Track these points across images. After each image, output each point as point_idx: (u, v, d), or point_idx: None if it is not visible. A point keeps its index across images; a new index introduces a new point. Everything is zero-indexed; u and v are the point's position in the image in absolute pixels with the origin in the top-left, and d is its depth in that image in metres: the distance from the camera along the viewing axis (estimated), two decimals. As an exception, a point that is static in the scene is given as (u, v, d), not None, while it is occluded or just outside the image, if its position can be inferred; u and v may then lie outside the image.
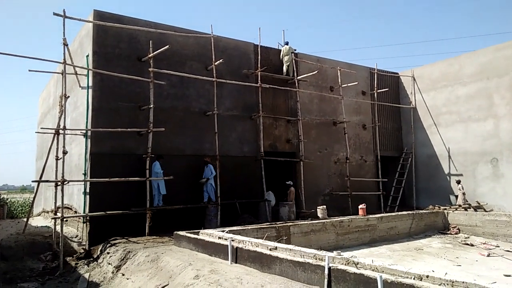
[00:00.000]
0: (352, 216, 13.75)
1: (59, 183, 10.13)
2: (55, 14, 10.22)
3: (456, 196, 17.21)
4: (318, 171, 16.49)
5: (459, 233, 15.06)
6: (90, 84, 11.69)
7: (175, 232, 9.71)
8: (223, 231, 9.15)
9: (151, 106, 11.58)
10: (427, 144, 19.24)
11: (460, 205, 16.21)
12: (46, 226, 13.92)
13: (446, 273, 4.75)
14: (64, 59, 10.77)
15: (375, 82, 18.99)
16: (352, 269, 5.13)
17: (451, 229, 15.27)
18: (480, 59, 17.41)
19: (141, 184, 11.46)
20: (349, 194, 16.63)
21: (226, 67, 14.10)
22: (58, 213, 10.47)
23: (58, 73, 14.54)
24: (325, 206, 14.11)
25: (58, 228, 10.50)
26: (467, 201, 16.49)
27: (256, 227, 10.59)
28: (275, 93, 15.59)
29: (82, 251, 10.48)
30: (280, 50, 16.14)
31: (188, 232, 9.32)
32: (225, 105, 14.00)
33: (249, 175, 14.18)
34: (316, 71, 16.48)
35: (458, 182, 17.18)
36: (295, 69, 16.00)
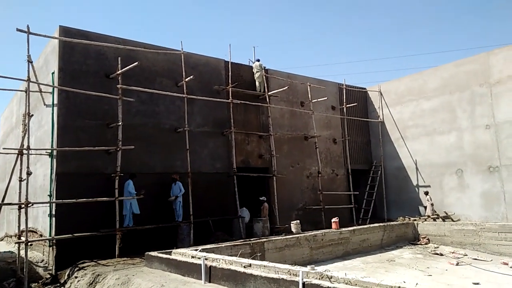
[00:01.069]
0: (325, 230, 13.76)
1: (23, 205, 9.76)
2: (18, 30, 9.92)
3: (425, 207, 17.40)
4: (291, 186, 16.45)
5: (429, 243, 15.21)
6: (56, 101, 11.39)
7: (147, 252, 9.46)
8: (196, 249, 8.99)
9: (120, 123, 11.35)
10: (395, 157, 19.44)
11: (429, 216, 16.36)
12: (9, 251, 13.47)
13: (417, 284, 4.81)
14: (28, 76, 10.45)
15: (344, 97, 19.28)
16: (326, 283, 5.13)
17: (421, 239, 15.44)
18: (442, 74, 17.81)
19: (110, 204, 11.11)
20: (322, 208, 16.68)
21: (197, 83, 14.02)
22: (22, 237, 10.11)
23: (21, 91, 14.16)
24: (298, 221, 14.05)
25: (22, 253, 10.04)
26: (435, 212, 16.61)
27: (230, 244, 10.50)
28: (246, 109, 15.57)
29: (48, 276, 10.06)
30: (251, 67, 16.23)
31: (160, 252, 9.11)
32: (196, 122, 13.89)
33: (222, 191, 14.08)
34: (287, 87, 16.56)
35: (426, 193, 17.39)
36: (266, 84, 16.09)
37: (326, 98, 18.28)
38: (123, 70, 11.66)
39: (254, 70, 16.16)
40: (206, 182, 13.66)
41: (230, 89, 14.68)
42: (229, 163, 14.50)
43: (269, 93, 16.10)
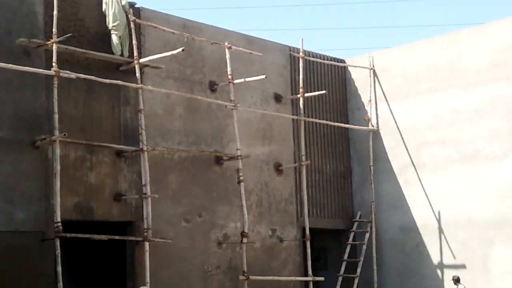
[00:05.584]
0: None
1: None
2: None
3: None
4: (182, 263, 16.40)
5: None
6: None
7: None
8: None
9: None
10: (399, 205, 19.47)
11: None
12: None
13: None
14: None
15: (301, 76, 18.92)
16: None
17: None
18: (497, 38, 17.95)
19: None
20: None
21: None
22: None
23: None
24: None
25: None
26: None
27: None
28: (91, 93, 15.49)
29: None
30: (102, 2, 16.04)
31: None
32: None
33: (26, 274, 13.83)
34: (181, 49, 15.79)
35: (457, 280, 17.05)
36: (135, 42, 15.73)
37: (264, 76, 17.76)
38: None
39: (110, 9, 15.76)
40: None
41: (54, 46, 14.12)
42: (47, 210, 14.33)
43: (142, 60, 15.69)
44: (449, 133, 18.30)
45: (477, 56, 17.98)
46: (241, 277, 16.34)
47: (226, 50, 16.97)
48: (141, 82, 15.46)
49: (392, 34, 50.50)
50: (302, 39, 19.59)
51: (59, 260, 13.51)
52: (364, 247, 19.25)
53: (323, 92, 19.28)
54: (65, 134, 13.83)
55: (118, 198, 15.34)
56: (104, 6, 15.68)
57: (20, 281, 13.58)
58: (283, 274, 17.98)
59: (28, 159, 14.06)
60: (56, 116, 13.83)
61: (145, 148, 15.19)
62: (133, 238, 15.34)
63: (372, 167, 19.59)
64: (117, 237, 14.85)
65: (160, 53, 15.91)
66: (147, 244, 14.78)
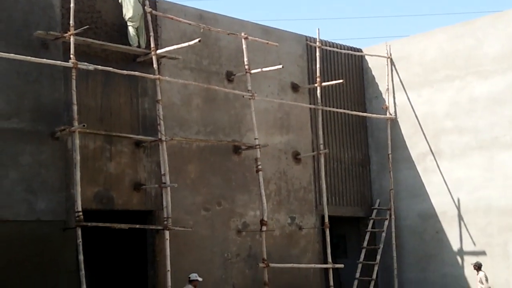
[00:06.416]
0: None
1: None
2: None
3: None
4: (203, 251, 16.47)
5: None
6: None
7: None
8: None
9: None
10: (418, 193, 19.42)
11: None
12: None
13: None
14: None
15: (317, 66, 18.88)
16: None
17: None
18: None
19: None
20: (267, 299, 16.74)
21: None
22: None
23: None
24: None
25: None
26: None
27: None
28: (108, 84, 15.49)
29: None
30: None
31: None
32: None
33: (48, 262, 13.83)
34: (198, 39, 15.79)
35: (478, 267, 17.13)
36: (152, 34, 15.78)
37: (281, 66, 17.76)
38: None
39: (126, 0, 15.78)
40: (12, 242, 13.42)
41: (71, 38, 14.11)
42: (66, 200, 14.32)
43: (159, 51, 15.68)
44: (467, 120, 18.29)
45: (495, 43, 17.90)
46: (261, 265, 16.41)
47: (243, 40, 16.94)
48: (159, 73, 15.49)
49: (409, 23, 50.34)
50: (319, 28, 19.59)
51: (80, 249, 13.60)
52: (384, 234, 19.27)
53: (341, 81, 19.29)
54: (84, 125, 13.92)
55: (138, 188, 15.44)
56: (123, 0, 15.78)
57: (42, 271, 13.70)
58: (302, 262, 18.02)
59: (48, 150, 14.15)
60: (75, 107, 13.92)
61: (163, 138, 15.25)
62: (153, 227, 15.42)
63: (390, 155, 19.58)
64: (137, 226, 15.00)
65: (177, 44, 15.86)
66: (167, 232, 14.88)
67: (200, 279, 14.64)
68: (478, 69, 18.22)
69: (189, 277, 14.90)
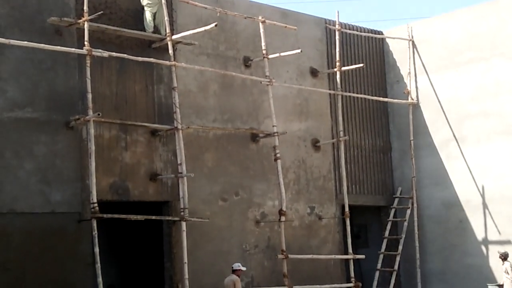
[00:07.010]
0: None
1: None
2: None
3: (501, 286, 17.31)
4: (220, 242, 16.44)
5: None
6: None
7: None
8: None
9: None
10: (441, 181, 19.35)
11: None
12: None
13: None
14: None
15: (337, 49, 18.79)
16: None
17: None
18: None
19: None
20: (287, 291, 16.56)
21: (10, 14, 13.95)
22: None
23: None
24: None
25: None
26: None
27: None
28: (123, 71, 15.55)
29: None
30: None
31: None
32: (5, 97, 13.79)
33: (64, 254, 13.91)
34: (214, 24, 15.65)
35: (505, 257, 16.87)
36: (167, 19, 15.54)
37: (299, 50, 17.54)
38: None
39: None
40: (28, 234, 13.55)
41: (85, 24, 14.14)
42: (82, 191, 14.42)
43: (174, 36, 15.64)
44: (492, 104, 18.12)
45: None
46: (280, 256, 16.35)
47: (260, 24, 16.85)
48: (174, 59, 15.42)
49: (431, 3, 49.73)
50: (338, 11, 19.51)
51: (96, 241, 13.62)
52: (406, 223, 19.24)
53: (361, 65, 19.12)
54: (99, 114, 13.95)
55: (154, 178, 15.44)
56: (138, -16, 16.02)
57: (58, 263, 13.72)
58: (322, 252, 18.01)
59: (62, 139, 14.17)
60: (90, 96, 13.93)
61: (179, 126, 15.23)
62: (169, 218, 15.43)
63: (412, 142, 19.49)
64: (153, 217, 15.09)
65: (193, 29, 15.81)
66: (183, 223, 14.84)
67: (243, 268, 14.77)
68: (503, 50, 18.02)
69: (232, 267, 14.99)
